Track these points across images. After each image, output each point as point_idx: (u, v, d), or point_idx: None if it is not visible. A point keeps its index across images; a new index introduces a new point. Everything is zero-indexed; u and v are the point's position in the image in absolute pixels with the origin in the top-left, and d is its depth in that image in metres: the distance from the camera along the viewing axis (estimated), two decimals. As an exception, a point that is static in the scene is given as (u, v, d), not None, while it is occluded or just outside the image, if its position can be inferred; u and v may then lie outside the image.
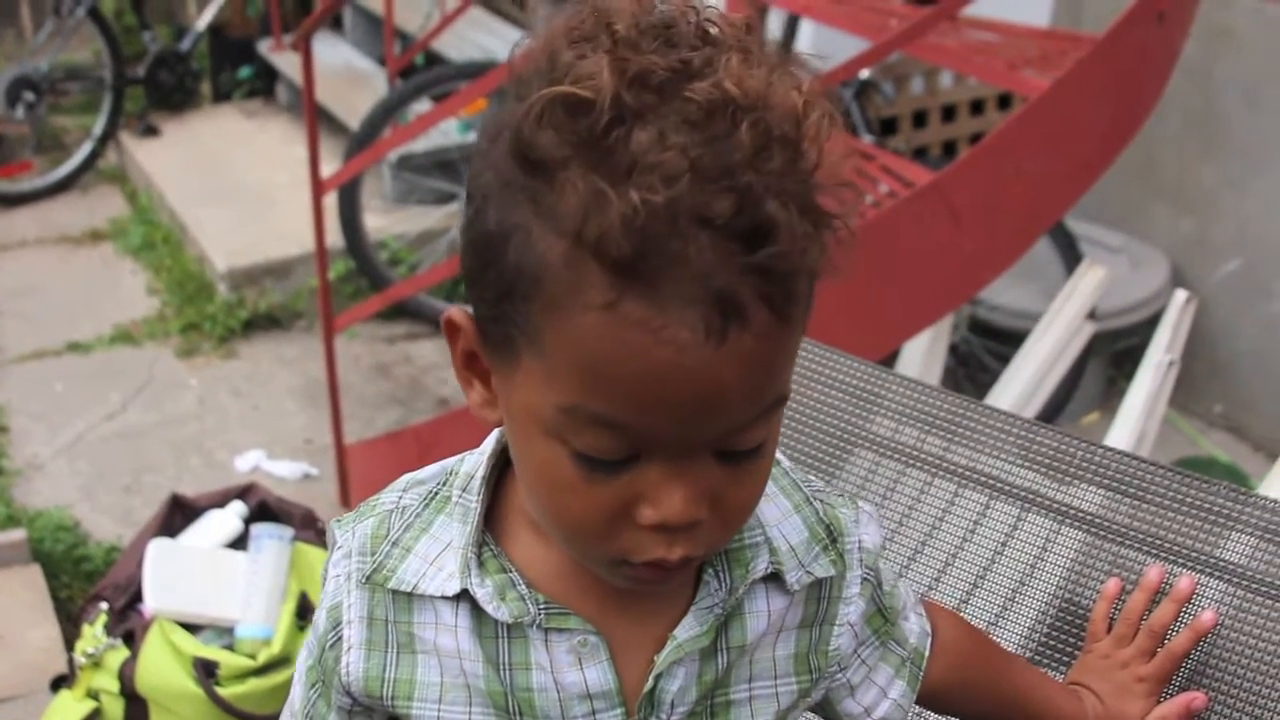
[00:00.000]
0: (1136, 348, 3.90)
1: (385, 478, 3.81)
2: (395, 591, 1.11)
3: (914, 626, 1.27)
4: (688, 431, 0.94)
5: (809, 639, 1.18)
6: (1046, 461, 1.61)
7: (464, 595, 1.09)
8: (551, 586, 1.10)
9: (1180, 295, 3.17)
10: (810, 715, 1.26)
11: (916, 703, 1.29)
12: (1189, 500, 1.52)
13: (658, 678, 1.10)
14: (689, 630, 1.10)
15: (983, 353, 4.65)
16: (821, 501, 1.19)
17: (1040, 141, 3.16)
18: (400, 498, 1.15)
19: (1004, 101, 5.40)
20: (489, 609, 1.08)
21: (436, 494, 1.13)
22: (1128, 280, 4.69)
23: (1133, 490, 1.56)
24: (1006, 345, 4.30)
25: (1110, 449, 1.58)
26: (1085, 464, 1.59)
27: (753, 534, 1.13)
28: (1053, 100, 3.10)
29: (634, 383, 0.91)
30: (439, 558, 1.11)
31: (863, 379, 1.74)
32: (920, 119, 5.30)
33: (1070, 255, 4.51)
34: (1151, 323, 3.71)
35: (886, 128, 5.18)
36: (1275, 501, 1.49)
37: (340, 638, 1.13)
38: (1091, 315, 4.06)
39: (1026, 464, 1.62)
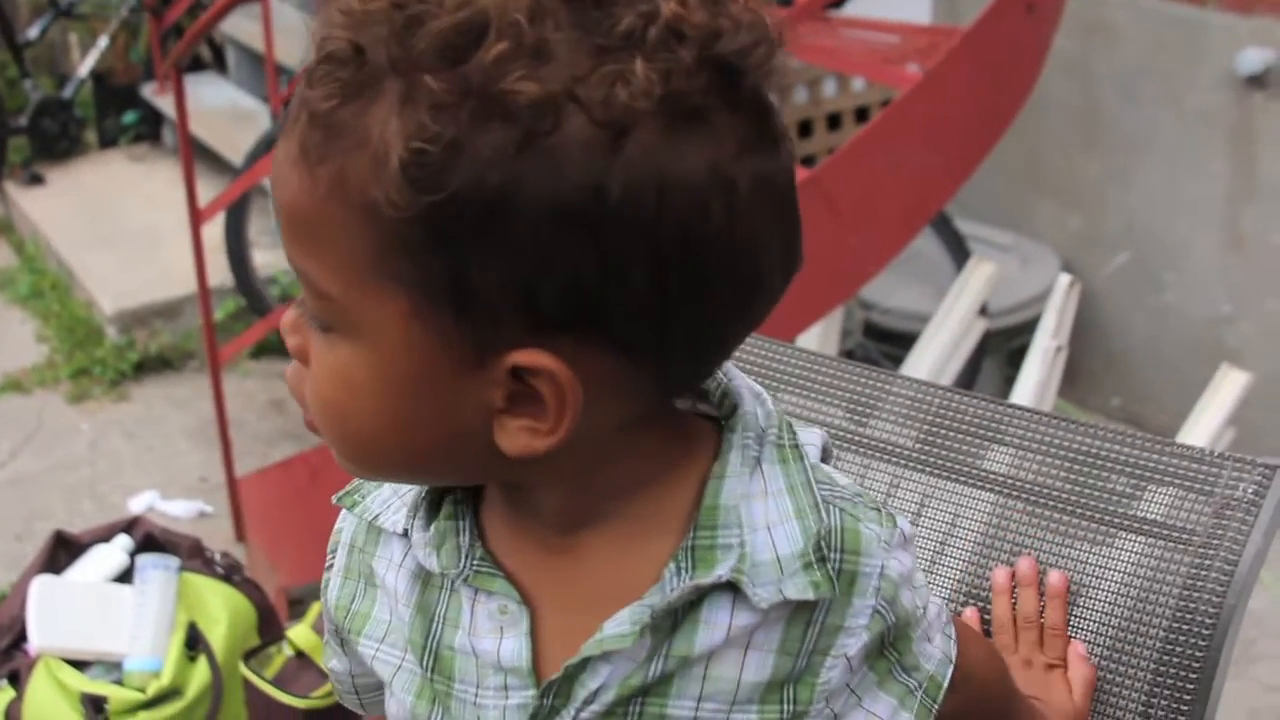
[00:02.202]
0: (1031, 345, 3.92)
1: (279, 508, 3.77)
2: (370, 522, 1.08)
3: (935, 650, 1.08)
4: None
5: (791, 667, 1.02)
6: (956, 426, 1.58)
7: (406, 535, 1.05)
8: (502, 546, 1.03)
9: (1064, 279, 3.20)
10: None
11: None
12: (1102, 453, 1.51)
13: (568, 667, 1.00)
14: (616, 626, 0.98)
15: (879, 356, 4.66)
16: (841, 510, 1.01)
17: (916, 132, 3.17)
18: None
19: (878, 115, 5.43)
20: (419, 554, 1.03)
21: None
22: (1019, 278, 4.72)
23: (1040, 447, 1.54)
24: (901, 348, 4.31)
25: (1020, 407, 1.56)
26: (994, 425, 1.57)
27: (728, 534, 0.98)
28: (926, 91, 3.12)
29: None
30: (408, 492, 1.06)
31: (770, 357, 1.70)
32: (805, 128, 5.31)
33: (960, 255, 4.53)
34: (1044, 318, 3.73)
35: (773, 138, 5.18)
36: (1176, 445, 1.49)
37: (330, 564, 1.11)
38: (983, 311, 4.09)
39: (932, 430, 1.59)
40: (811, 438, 1.08)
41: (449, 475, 1.01)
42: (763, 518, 0.99)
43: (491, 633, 1.02)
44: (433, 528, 1.03)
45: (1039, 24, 3.37)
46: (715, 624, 0.99)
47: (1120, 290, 4.78)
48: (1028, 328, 4.62)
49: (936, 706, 1.08)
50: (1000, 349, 4.69)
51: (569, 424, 0.90)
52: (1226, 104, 4.38)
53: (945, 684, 1.08)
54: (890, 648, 1.05)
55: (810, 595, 0.98)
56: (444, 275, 0.86)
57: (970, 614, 1.49)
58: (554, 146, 0.83)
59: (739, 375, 1.04)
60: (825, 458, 1.12)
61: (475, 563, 1.02)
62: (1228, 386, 3.38)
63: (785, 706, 1.02)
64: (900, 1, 4.93)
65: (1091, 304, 4.69)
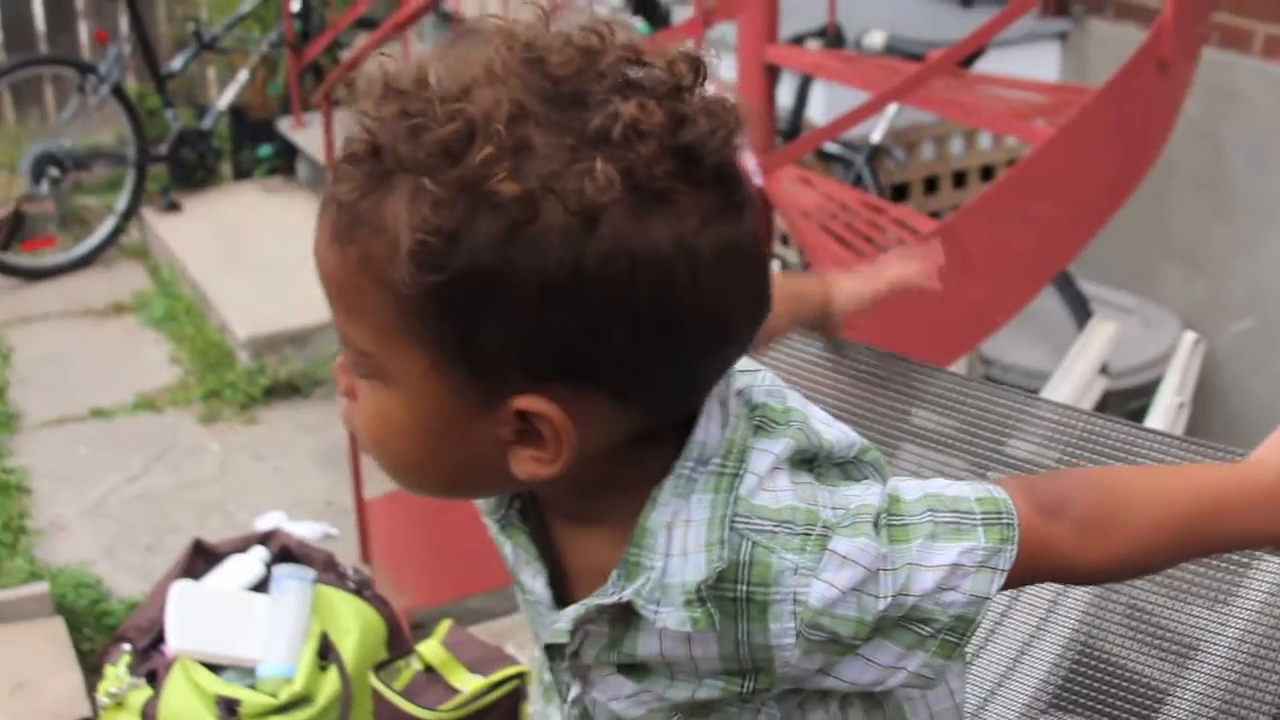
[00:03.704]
0: (1149, 407, 3.94)
1: (406, 531, 3.85)
2: None
3: (958, 596, 1.12)
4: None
5: (738, 669, 1.14)
6: (1091, 447, 1.63)
7: None
8: (535, 516, 1.21)
9: (1189, 336, 3.23)
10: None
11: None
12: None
13: (547, 643, 1.20)
14: (562, 621, 1.17)
15: (996, 411, 4.67)
16: (754, 544, 1.10)
17: (1048, 186, 3.22)
18: None
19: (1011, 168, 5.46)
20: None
21: None
22: (1140, 339, 4.72)
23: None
24: (1020, 403, 4.32)
25: (1159, 432, 1.60)
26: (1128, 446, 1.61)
27: (650, 555, 1.11)
28: (1059, 145, 3.16)
29: None
30: None
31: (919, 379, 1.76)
32: (931, 185, 5.36)
33: (1083, 315, 4.54)
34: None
35: (898, 193, 5.24)
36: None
37: None
38: (1104, 370, 4.11)
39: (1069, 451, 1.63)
40: (764, 460, 1.13)
41: (479, 493, 1.21)
42: (680, 544, 1.10)
43: (528, 573, 1.21)
44: None
45: (1172, 85, 3.41)
46: (650, 633, 1.12)
47: (1242, 355, 4.77)
48: (1147, 390, 4.63)
49: (965, 639, 1.13)
50: (1119, 409, 4.69)
51: (567, 456, 1.06)
52: (1355, 174, 4.38)
53: (977, 618, 1.13)
54: (877, 630, 1.11)
55: (687, 628, 1.10)
56: (454, 338, 1.03)
57: None
58: (535, 233, 0.99)
59: (717, 394, 1.14)
60: (804, 454, 1.17)
61: (509, 514, 1.21)
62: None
63: (748, 683, 1.15)
64: (1029, 60, 4.99)
65: (1213, 369, 4.69)
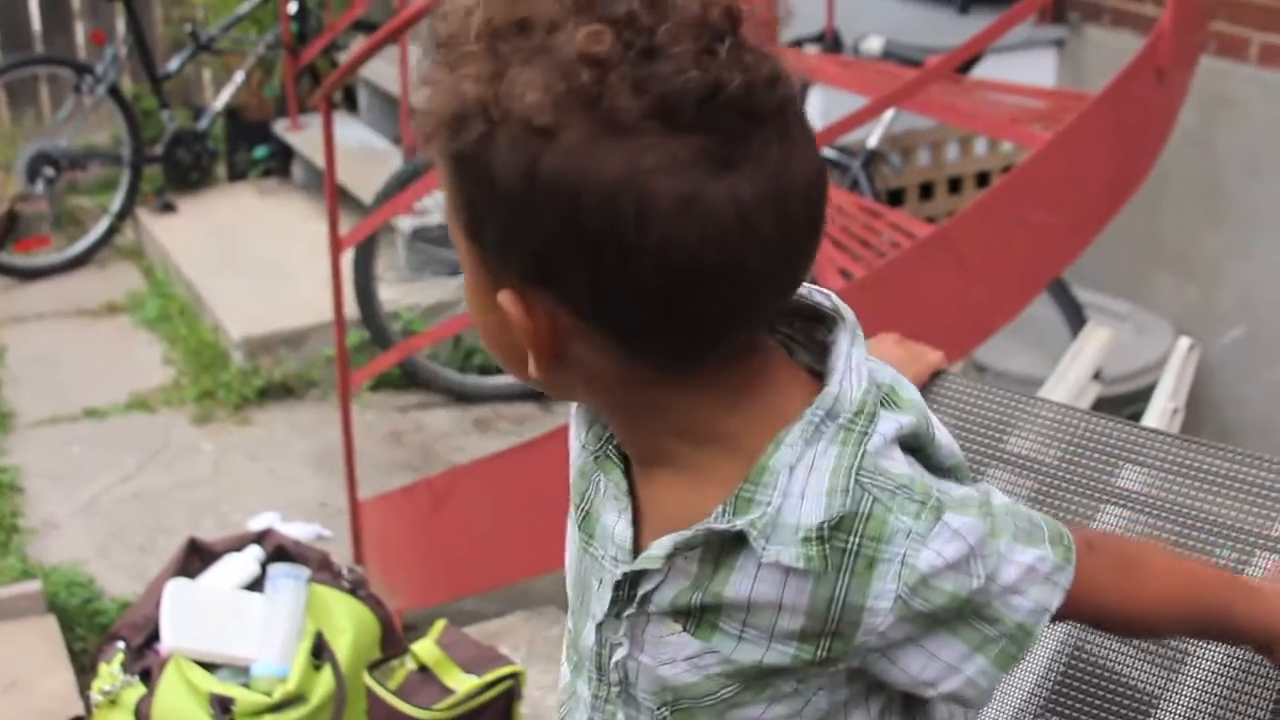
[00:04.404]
0: (1144, 413, 3.94)
1: (399, 533, 3.85)
2: None
3: (1025, 602, 1.16)
4: None
5: (821, 629, 1.13)
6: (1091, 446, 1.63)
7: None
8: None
9: (1184, 342, 3.23)
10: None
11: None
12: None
13: (626, 571, 1.18)
14: (655, 548, 1.16)
15: (990, 417, 4.68)
16: (875, 499, 1.11)
17: (1045, 192, 3.23)
18: None
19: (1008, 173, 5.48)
20: (577, 425, 1.27)
21: None
22: (1134, 346, 4.74)
23: (1176, 468, 1.58)
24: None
25: (1158, 430, 1.61)
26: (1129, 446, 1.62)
27: (765, 491, 1.11)
28: (1056, 151, 3.17)
29: None
30: None
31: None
32: (927, 190, 5.38)
33: (1076, 321, 4.55)
34: (1157, 387, 3.75)
35: (894, 198, 5.25)
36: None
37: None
38: (1097, 376, 4.12)
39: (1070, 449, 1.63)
40: (890, 426, 1.15)
41: (531, 383, 1.18)
42: (800, 487, 1.11)
43: (613, 510, 1.22)
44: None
45: (1168, 92, 3.42)
46: (745, 572, 1.12)
47: (1235, 363, 4.79)
48: (1140, 396, 4.63)
49: (1022, 653, 1.17)
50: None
51: (542, 359, 1.12)
52: (1350, 182, 4.40)
53: (1036, 631, 1.17)
54: (958, 614, 1.14)
55: (799, 565, 1.11)
56: (469, 216, 1.10)
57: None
58: (497, 135, 1.04)
59: (855, 356, 1.16)
60: (918, 441, 1.19)
61: (607, 447, 1.22)
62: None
63: (821, 650, 1.14)
64: (1026, 66, 5.00)
65: (1206, 377, 4.71)
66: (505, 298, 1.09)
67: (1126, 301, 5.00)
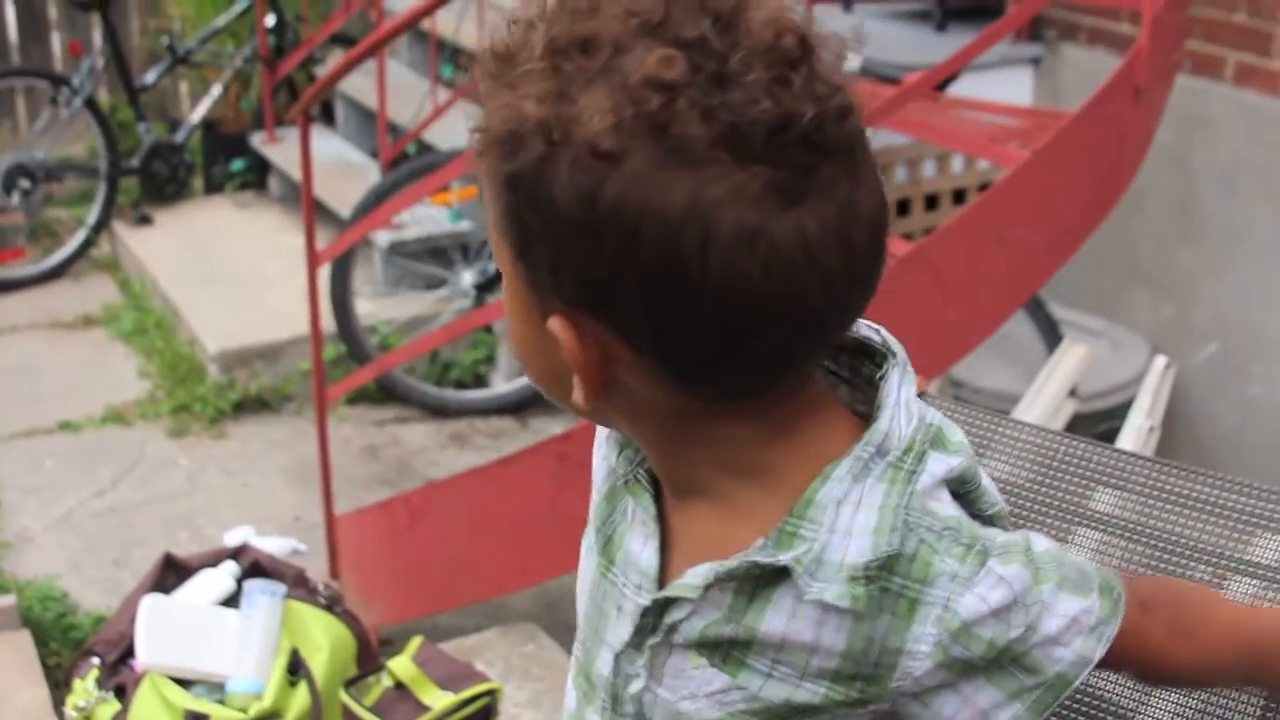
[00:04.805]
0: (1119, 430, 3.96)
1: (375, 548, 3.84)
2: None
3: (1067, 654, 1.14)
4: None
5: (855, 672, 1.12)
6: (1063, 468, 1.64)
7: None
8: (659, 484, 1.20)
9: (1160, 360, 3.25)
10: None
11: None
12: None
13: (657, 599, 1.15)
14: (691, 577, 1.13)
15: (966, 434, 4.69)
16: (921, 540, 1.10)
17: (1021, 210, 3.24)
18: None
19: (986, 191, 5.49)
20: (607, 449, 1.25)
21: None
22: (1109, 363, 4.75)
23: (1151, 491, 1.58)
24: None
25: (1130, 453, 1.61)
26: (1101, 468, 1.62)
27: (811, 527, 1.10)
28: (1033, 169, 3.18)
29: None
30: None
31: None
32: (903, 207, 5.38)
33: (1052, 339, 4.57)
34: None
35: (871, 215, 5.25)
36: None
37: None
38: (1073, 393, 4.14)
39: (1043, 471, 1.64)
40: (940, 467, 1.14)
41: (565, 406, 1.16)
42: (846, 524, 1.09)
43: (640, 536, 1.19)
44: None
45: (1145, 111, 3.43)
46: (781, 608, 1.10)
47: (1209, 380, 4.81)
48: (1115, 413, 4.66)
49: (1056, 701, 1.15)
50: (1087, 432, 4.71)
51: (590, 387, 1.09)
52: (1324, 201, 4.42)
53: (1076, 681, 1.15)
54: (995, 662, 1.12)
55: (844, 604, 1.08)
56: (518, 237, 1.06)
57: None
58: (558, 157, 1.01)
59: (906, 393, 1.14)
60: (964, 486, 1.17)
61: (637, 471, 1.20)
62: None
63: (854, 691, 1.12)
64: (1003, 85, 5.01)
65: (1180, 393, 4.72)
66: (556, 324, 1.06)
67: (1102, 318, 5.02)
